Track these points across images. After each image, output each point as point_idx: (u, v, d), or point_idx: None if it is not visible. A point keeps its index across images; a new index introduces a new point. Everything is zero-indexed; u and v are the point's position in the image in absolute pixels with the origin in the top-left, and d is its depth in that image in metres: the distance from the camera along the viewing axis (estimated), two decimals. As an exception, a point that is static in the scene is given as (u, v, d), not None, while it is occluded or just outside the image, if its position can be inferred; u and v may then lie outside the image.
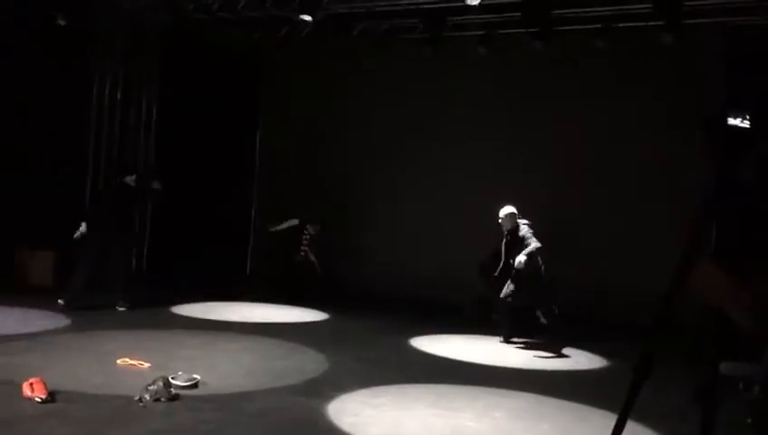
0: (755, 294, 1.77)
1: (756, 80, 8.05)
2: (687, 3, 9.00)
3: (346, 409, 5.33)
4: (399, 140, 11.99)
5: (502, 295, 8.19)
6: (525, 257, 7.91)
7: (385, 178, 12.09)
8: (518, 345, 8.36)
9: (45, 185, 10.13)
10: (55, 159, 10.45)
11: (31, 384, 4.95)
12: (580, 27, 9.98)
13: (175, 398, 5.14)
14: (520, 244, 8.09)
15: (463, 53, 10.92)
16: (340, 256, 11.82)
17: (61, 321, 7.94)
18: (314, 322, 9.39)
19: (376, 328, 8.94)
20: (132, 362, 6.14)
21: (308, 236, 11.09)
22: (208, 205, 12.06)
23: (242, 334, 7.98)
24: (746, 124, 2.12)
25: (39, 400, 4.85)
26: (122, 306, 8.82)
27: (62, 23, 10.26)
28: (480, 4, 9.22)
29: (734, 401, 3.93)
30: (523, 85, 11.12)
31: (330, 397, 5.56)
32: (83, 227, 8.70)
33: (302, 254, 11.06)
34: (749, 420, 4.76)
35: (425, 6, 10.29)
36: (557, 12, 9.77)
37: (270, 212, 12.82)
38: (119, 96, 11.73)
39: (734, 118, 2.11)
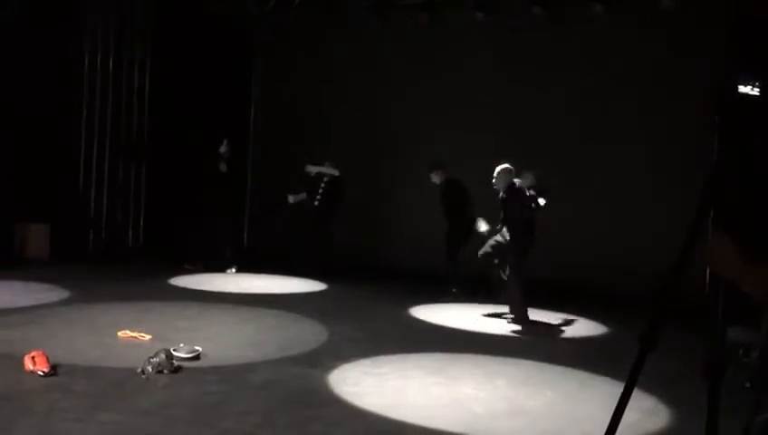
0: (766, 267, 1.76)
1: (760, 47, 7.95)
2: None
3: (347, 378, 5.35)
4: (400, 107, 11.87)
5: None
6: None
7: (384, 147, 12.02)
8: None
9: (39, 157, 10.04)
10: (48, 131, 10.33)
11: (32, 358, 4.95)
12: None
13: (177, 370, 5.15)
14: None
15: (461, 19, 10.78)
16: (340, 225, 11.81)
17: (59, 293, 7.93)
18: (313, 292, 9.40)
19: (375, 298, 8.96)
20: (133, 334, 6.14)
21: (323, 184, 10.57)
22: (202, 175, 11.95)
23: (240, 305, 7.99)
24: (756, 92, 2.09)
25: (41, 373, 4.85)
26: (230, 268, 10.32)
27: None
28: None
29: (734, 367, 3.96)
30: (522, 52, 10.98)
31: (331, 367, 5.58)
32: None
33: (317, 203, 10.56)
34: (748, 385, 4.82)
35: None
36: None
37: (264, 183, 12.77)
38: (111, 66, 11.57)
39: (745, 86, 2.08)
